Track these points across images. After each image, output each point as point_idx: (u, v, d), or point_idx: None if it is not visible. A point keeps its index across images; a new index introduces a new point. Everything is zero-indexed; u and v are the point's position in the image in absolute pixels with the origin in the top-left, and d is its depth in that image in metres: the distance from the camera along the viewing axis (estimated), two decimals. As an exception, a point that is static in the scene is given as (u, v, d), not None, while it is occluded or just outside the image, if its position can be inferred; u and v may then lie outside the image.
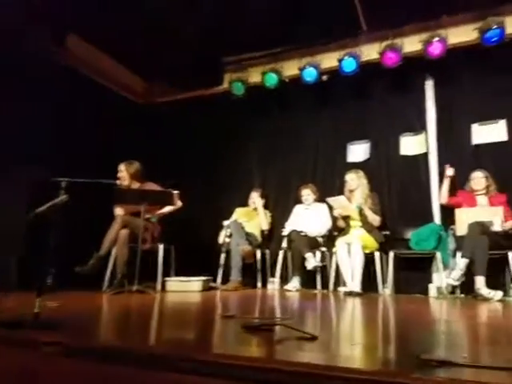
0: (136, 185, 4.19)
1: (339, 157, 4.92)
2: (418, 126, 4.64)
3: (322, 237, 4.48)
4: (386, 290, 3.97)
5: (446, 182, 4.12)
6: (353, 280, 3.77)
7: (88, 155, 4.41)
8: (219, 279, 4.43)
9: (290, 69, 4.93)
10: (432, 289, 3.86)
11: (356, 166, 4.61)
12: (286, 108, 5.25)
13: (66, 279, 3.32)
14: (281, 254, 4.45)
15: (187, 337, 1.67)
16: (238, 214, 4.87)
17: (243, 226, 4.48)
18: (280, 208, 5.04)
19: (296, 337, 1.45)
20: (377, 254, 4.02)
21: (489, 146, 4.29)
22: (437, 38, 4.15)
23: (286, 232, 4.41)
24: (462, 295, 3.67)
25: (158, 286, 3.85)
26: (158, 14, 4.08)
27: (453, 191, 4.13)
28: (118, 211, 4.10)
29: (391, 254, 4.02)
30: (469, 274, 3.49)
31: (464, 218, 3.70)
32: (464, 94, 4.46)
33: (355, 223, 4.22)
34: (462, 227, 3.66)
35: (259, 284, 4.56)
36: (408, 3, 3.88)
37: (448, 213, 4.10)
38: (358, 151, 4.89)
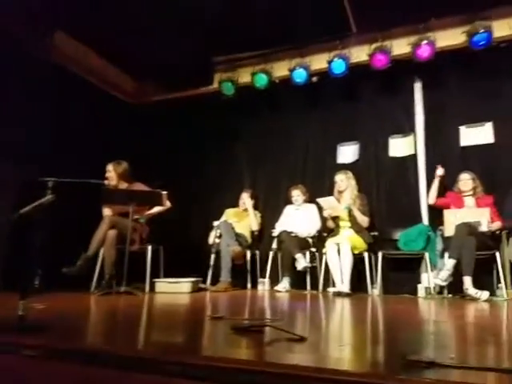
0: (124, 185, 4.14)
1: (329, 158, 4.94)
2: (407, 128, 4.68)
3: (312, 237, 4.49)
4: (374, 291, 3.99)
5: (436, 182, 4.17)
6: (342, 281, 3.79)
7: (77, 155, 4.36)
8: (209, 280, 4.41)
9: (280, 70, 4.93)
10: (420, 289, 3.90)
11: (345, 167, 4.63)
12: (276, 109, 5.25)
13: (54, 280, 3.28)
14: (271, 254, 4.46)
15: (175, 339, 1.66)
16: (228, 214, 4.85)
17: (233, 227, 4.47)
18: (270, 209, 5.04)
19: (285, 338, 1.44)
20: (366, 255, 4.05)
21: (476, 148, 4.35)
22: (425, 41, 4.20)
23: (276, 233, 4.42)
24: (450, 295, 3.72)
25: (147, 288, 3.81)
26: (148, 13, 4.05)
27: (441, 192, 4.17)
28: (106, 211, 4.05)
29: (380, 255, 4.05)
30: (456, 275, 3.54)
31: (452, 219, 3.74)
32: (452, 97, 4.51)
33: (344, 224, 4.24)
34: (450, 228, 3.70)
35: (249, 285, 4.55)
36: (397, 6, 3.92)
37: (436, 214, 4.14)
38: (348, 152, 4.92)
